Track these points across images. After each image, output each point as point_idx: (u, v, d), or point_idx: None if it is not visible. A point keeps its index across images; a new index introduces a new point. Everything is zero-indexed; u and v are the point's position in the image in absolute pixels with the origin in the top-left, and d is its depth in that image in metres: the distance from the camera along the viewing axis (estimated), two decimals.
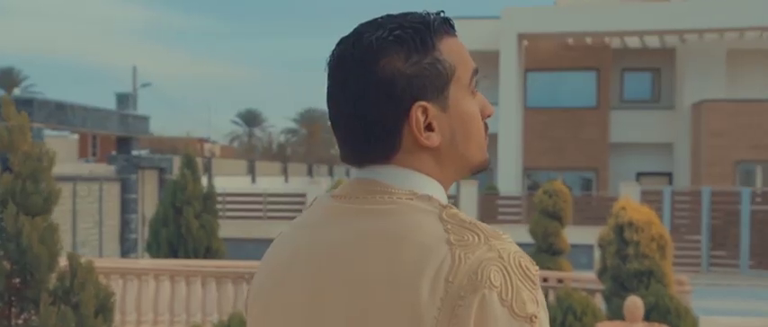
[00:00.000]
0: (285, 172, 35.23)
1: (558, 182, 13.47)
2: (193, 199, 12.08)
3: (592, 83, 25.39)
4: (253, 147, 60.10)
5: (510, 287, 1.06)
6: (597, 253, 10.03)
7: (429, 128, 1.18)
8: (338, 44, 1.22)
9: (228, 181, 23.09)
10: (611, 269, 8.70)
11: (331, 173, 38.31)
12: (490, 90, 26.78)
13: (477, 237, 1.09)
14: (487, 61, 26.55)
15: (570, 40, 25.69)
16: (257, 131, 64.52)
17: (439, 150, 1.20)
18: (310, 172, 37.69)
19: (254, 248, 20.31)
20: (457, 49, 1.21)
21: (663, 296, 8.19)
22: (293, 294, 1.19)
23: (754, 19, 23.39)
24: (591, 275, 10.50)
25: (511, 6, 24.52)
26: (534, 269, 1.09)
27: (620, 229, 8.76)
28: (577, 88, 25.59)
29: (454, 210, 1.14)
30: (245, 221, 21.75)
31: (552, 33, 24.74)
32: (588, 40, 25.35)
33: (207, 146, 46.11)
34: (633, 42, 25.77)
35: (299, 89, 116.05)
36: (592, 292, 9.36)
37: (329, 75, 1.22)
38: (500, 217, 21.43)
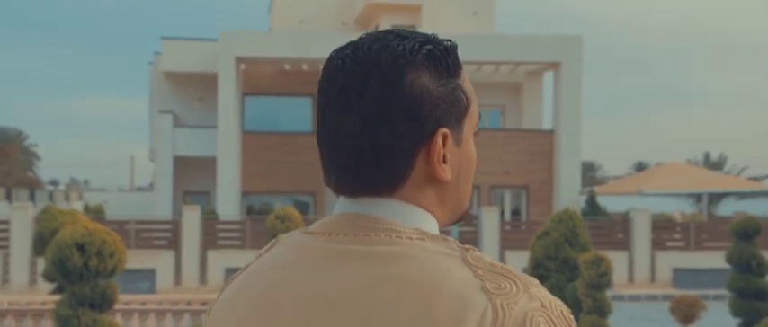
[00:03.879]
0: None
1: (290, 208, 13.64)
2: None
3: (307, 108, 25.99)
4: None
5: None
6: None
7: (443, 159, 1.05)
8: (351, 49, 1.06)
9: None
10: None
11: (33, 198, 35.55)
12: (207, 113, 26.49)
13: (514, 285, 0.98)
14: (205, 83, 26.27)
15: (287, 66, 26.15)
16: None
17: (445, 187, 1.07)
18: (9, 197, 34.70)
19: None
20: (470, 83, 1.11)
21: None
22: None
23: (487, 54, 24.84)
24: None
25: (229, 30, 24.48)
26: (572, 318, 1.02)
27: None
28: (294, 113, 26.08)
29: (479, 253, 1.02)
30: None
31: (268, 58, 25.03)
32: (305, 67, 25.95)
33: None
34: None
35: None
36: None
37: (333, 84, 1.05)
38: (220, 242, 21.11)
